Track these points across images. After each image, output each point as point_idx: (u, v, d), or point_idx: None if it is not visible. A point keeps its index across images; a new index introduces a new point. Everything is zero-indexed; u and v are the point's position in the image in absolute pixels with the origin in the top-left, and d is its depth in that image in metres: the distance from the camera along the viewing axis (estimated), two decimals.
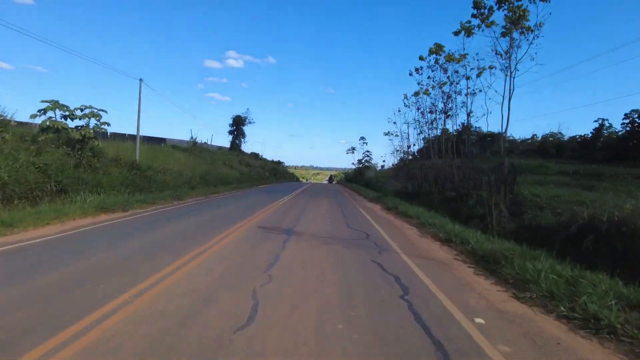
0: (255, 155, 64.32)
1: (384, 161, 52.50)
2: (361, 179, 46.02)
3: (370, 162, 45.37)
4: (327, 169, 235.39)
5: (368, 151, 44.75)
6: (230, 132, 51.79)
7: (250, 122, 53.32)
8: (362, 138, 56.27)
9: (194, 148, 37.12)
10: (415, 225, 9.97)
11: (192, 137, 34.83)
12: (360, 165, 53.60)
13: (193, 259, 5.05)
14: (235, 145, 51.59)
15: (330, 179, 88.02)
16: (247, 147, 59.47)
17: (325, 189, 31.00)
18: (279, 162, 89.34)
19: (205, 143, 43.22)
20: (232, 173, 32.90)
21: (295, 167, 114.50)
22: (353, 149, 60.58)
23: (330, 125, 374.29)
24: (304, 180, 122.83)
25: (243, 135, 52.56)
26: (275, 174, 55.15)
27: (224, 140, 52.35)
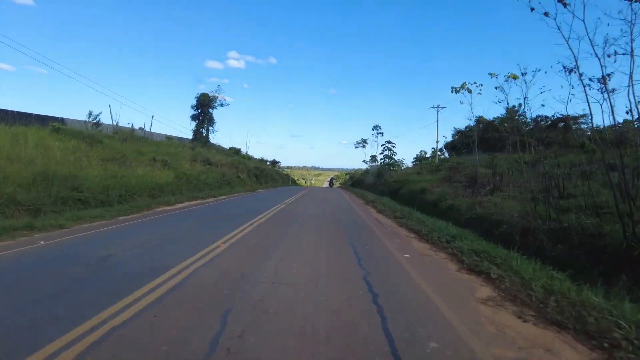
0: (236, 151, 49.37)
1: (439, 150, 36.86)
2: (378, 183, 30.84)
3: (393, 158, 30.24)
4: (329, 169, 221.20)
5: (389, 142, 30.16)
6: (194, 118, 36.87)
7: (222, 104, 38.42)
8: (376, 127, 41.10)
9: (116, 134, 22.61)
10: None
11: (91, 116, 20.08)
12: (376, 164, 38.28)
13: None
14: (199, 135, 36.64)
15: (331, 183, 72.08)
16: (225, 140, 44.40)
17: (328, 214, 16.31)
18: (273, 162, 74.60)
19: (140, 129, 28.37)
20: (154, 176, 17.87)
21: (291, 167, 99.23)
22: (364, 142, 45.09)
23: (332, 125, 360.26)
24: (302, 183, 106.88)
25: (211, 121, 37.58)
26: (257, 176, 40.13)
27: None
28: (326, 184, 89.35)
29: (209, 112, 37.01)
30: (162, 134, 31.11)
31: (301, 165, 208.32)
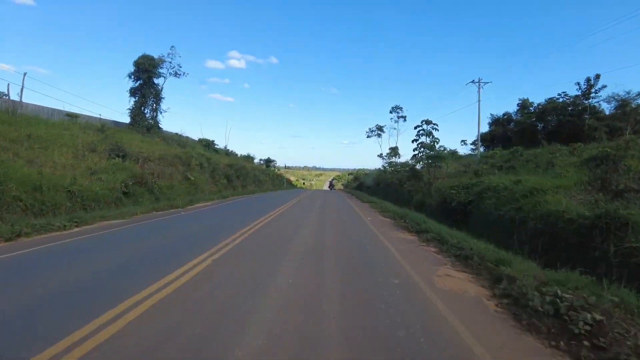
0: (207, 144, 37.53)
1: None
2: (412, 189, 18.94)
3: (435, 147, 17.87)
4: (331, 169, 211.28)
5: (427, 121, 18.11)
6: (133, 92, 24.83)
7: (176, 74, 26.44)
8: (396, 109, 29.23)
9: None
10: None
11: None
12: (397, 159, 26.41)
13: None
14: (140, 117, 24.64)
15: (331, 185, 63.71)
16: (195, 131, 32.37)
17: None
18: (267, 161, 63.83)
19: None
20: None
21: (287, 167, 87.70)
22: (380, 129, 32.83)
23: (333, 126, 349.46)
24: (300, 185, 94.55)
25: (157, 98, 25.50)
26: (230, 177, 28.39)
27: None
28: (327, 186, 77.82)
29: (155, 84, 25.11)
30: (61, 110, 19.18)
31: (302, 165, 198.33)
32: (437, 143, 18.78)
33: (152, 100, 25.38)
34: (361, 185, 55.15)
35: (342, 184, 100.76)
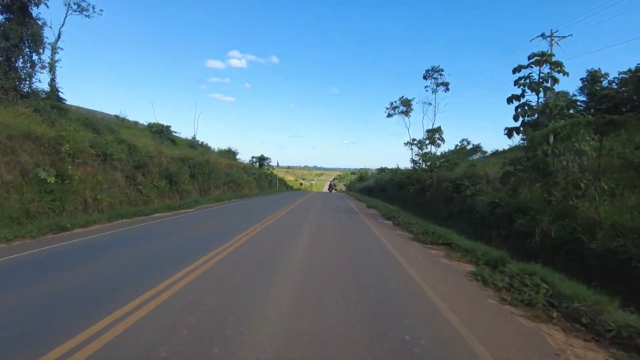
0: (159, 130, 27.08)
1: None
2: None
3: (570, 104, 7.98)
4: (331, 169, 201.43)
5: (544, 56, 9.12)
6: None
7: (81, 8, 16.17)
8: (433, 73, 19.05)
9: None
10: None
11: None
12: (433, 147, 16.04)
13: None
14: (6, 73, 14.40)
15: (330, 187, 59.99)
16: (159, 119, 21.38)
17: None
18: (261, 159, 54.86)
19: None
20: None
21: (280, 166, 77.34)
22: (406, 104, 22.13)
23: (333, 125, 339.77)
24: (298, 185, 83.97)
25: (38, 42, 15.12)
26: (172, 179, 17.99)
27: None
28: (327, 187, 67.76)
29: (32, 19, 14.78)
30: None
31: (302, 165, 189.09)
32: (569, 103, 8.31)
33: (28, 46, 14.91)
34: (370, 187, 44.65)
35: (344, 184, 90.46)
